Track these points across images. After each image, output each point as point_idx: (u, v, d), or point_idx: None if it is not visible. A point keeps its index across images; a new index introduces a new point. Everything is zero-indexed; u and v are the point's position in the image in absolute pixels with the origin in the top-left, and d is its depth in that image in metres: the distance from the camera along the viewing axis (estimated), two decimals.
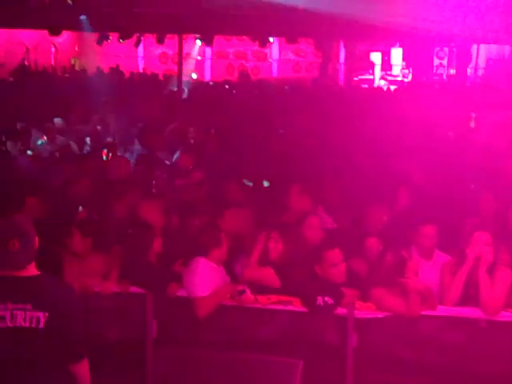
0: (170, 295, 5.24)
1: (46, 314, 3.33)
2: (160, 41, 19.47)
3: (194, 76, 25.11)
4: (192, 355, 4.69)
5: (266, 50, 25.67)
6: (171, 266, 5.56)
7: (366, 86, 23.96)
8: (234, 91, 19.06)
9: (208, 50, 25.40)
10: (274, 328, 5.12)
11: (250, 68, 26.26)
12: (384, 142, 9.14)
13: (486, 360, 5.04)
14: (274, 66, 27.22)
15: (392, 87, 22.27)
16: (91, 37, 20.26)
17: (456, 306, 5.10)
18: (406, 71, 25.83)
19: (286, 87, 19.94)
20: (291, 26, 17.87)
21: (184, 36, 21.61)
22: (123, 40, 18.90)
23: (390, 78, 25.76)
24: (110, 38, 19.25)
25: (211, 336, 5.14)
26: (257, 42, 20.99)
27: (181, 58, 19.28)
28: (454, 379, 5.07)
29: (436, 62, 25.48)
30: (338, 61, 25.88)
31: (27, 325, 3.33)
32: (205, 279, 5.17)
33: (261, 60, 27.13)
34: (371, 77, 25.90)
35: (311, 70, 26.67)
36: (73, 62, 24.88)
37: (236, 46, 26.72)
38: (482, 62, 21.39)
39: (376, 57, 26.37)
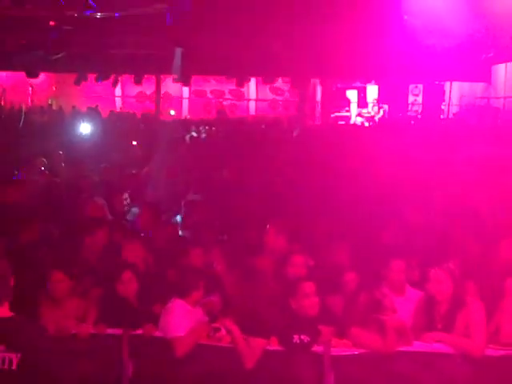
0: (146, 335, 5.23)
1: (19, 356, 3.32)
2: (137, 81, 19.67)
3: (172, 113, 25.34)
4: None
5: (244, 89, 25.98)
6: (150, 307, 5.57)
7: (342, 122, 24.29)
8: (213, 128, 19.24)
9: (186, 89, 25.65)
10: (254, 366, 5.10)
11: (227, 106, 26.55)
12: (361, 179, 9.27)
13: None
14: (252, 104, 27.54)
15: (367, 124, 22.59)
16: (69, 77, 20.39)
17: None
18: (382, 108, 26.22)
19: (263, 126, 20.14)
20: (268, 65, 18.18)
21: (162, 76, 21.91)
22: (101, 81, 19.06)
23: (366, 114, 26.13)
24: (88, 78, 19.39)
25: (187, 375, 5.12)
26: (234, 81, 21.30)
27: (158, 97, 19.56)
28: None
29: (411, 98, 25.91)
30: (315, 98, 26.24)
31: (0, 366, 3.31)
32: (181, 320, 5.18)
33: (238, 98, 27.44)
34: (348, 114, 26.26)
35: (288, 107, 27.02)
36: (50, 101, 24.97)
37: (214, 85, 27.02)
38: (454, 99, 21.79)
39: (352, 94, 26.78)
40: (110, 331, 5.28)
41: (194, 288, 5.34)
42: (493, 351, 5.10)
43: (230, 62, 18.39)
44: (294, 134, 16.95)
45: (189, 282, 5.37)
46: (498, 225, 7.22)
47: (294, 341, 5.06)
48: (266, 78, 19.42)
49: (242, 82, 20.38)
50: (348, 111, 26.43)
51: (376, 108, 25.80)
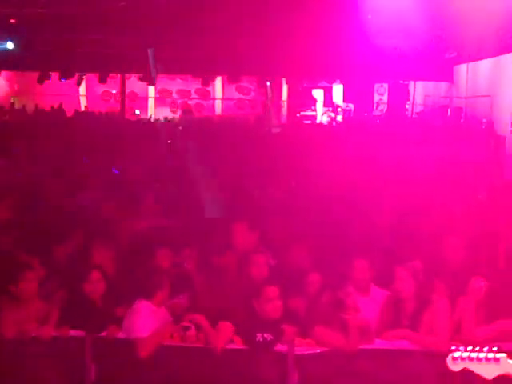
0: (110, 337, 5.19)
1: None
2: (102, 80, 19.50)
3: (138, 112, 25.19)
4: None
5: (209, 88, 25.93)
6: (114, 309, 5.53)
7: (308, 122, 24.39)
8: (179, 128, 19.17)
9: (151, 88, 25.50)
10: (215, 366, 5.10)
11: (193, 106, 26.46)
12: (326, 177, 9.33)
13: None
14: (218, 103, 27.49)
15: (333, 123, 22.72)
16: (32, 75, 20.12)
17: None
18: (346, 107, 26.40)
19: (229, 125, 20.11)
20: (233, 64, 18.18)
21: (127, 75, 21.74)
22: (65, 79, 18.84)
23: (332, 114, 26.28)
24: (51, 76, 19.15)
25: (151, 377, 5.10)
26: (200, 80, 21.25)
27: (123, 96, 19.40)
28: None
29: (376, 98, 26.13)
30: (281, 98, 26.32)
31: None
32: (145, 321, 5.16)
33: (204, 98, 27.38)
34: (314, 113, 26.38)
35: (255, 107, 27.03)
36: (12, 100, 24.59)
37: (179, 85, 26.90)
38: (419, 99, 22.03)
39: (318, 93, 26.92)
40: (72, 333, 5.23)
41: (159, 288, 5.32)
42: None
43: (196, 60, 18.35)
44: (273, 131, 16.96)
45: (153, 282, 5.34)
46: (459, 223, 7.33)
47: (257, 339, 5.09)
48: (232, 76, 19.40)
49: (207, 80, 20.36)
50: (314, 110, 26.56)
51: (347, 107, 25.97)
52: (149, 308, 5.29)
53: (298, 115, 25.60)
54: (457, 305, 5.42)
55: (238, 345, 5.14)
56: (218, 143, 13.82)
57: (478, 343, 5.08)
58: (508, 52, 13.81)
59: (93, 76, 21.30)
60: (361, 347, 5.16)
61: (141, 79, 20.22)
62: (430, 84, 21.56)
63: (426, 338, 5.19)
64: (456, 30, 15.54)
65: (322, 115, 26.27)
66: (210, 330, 5.15)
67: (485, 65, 16.08)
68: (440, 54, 17.48)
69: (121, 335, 5.21)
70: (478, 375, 4.20)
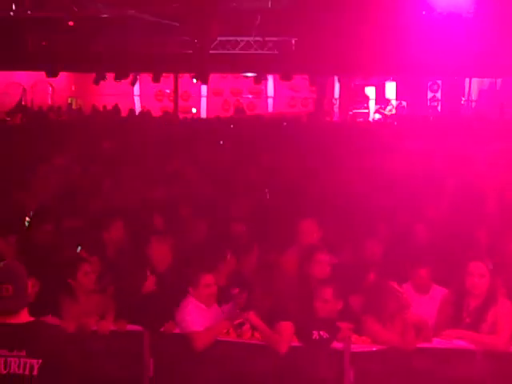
0: (167, 332, 5.26)
1: (40, 361, 3.32)
2: (156, 79, 19.73)
3: (194, 110, 25.41)
4: None
5: (262, 86, 25.98)
6: (170, 305, 5.58)
7: (361, 119, 24.21)
8: (231, 126, 19.21)
9: (204, 88, 25.69)
10: (271, 362, 5.12)
11: (245, 104, 26.56)
12: (384, 176, 9.21)
13: None
14: (270, 101, 27.51)
15: (388, 121, 22.48)
16: (88, 76, 20.51)
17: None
18: (401, 104, 26.11)
19: (285, 123, 20.08)
20: (285, 62, 18.17)
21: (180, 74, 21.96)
22: (119, 79, 19.15)
23: (385, 111, 26.03)
24: (107, 77, 19.49)
25: (208, 372, 5.15)
26: (252, 79, 21.30)
27: (176, 95, 19.58)
28: None
29: (430, 94, 25.78)
30: (333, 95, 26.18)
31: (21, 372, 3.32)
32: (196, 316, 5.22)
33: (256, 96, 27.44)
34: (366, 111, 26.17)
35: (306, 104, 26.97)
36: (69, 101, 25.15)
37: (231, 83, 27.03)
38: (474, 95, 21.62)
39: (370, 91, 26.69)
40: (130, 328, 5.32)
41: (208, 286, 5.34)
42: None
43: (248, 59, 18.40)
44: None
45: (202, 280, 5.36)
46: None
47: (314, 337, 5.08)
48: (284, 74, 19.39)
49: (259, 79, 20.39)
50: (367, 108, 26.35)
51: (401, 104, 25.68)
52: (197, 306, 5.32)
53: (350, 113, 25.43)
54: None
55: (295, 342, 5.14)
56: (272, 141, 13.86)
57: None
58: None
59: (147, 76, 21.58)
60: (418, 346, 5.11)
61: (194, 78, 20.39)
62: (485, 79, 21.15)
63: (486, 338, 5.09)
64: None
65: (374, 113, 26.05)
66: (266, 330, 5.15)
67: None
68: (495, 50, 17.12)
69: (177, 330, 5.26)
70: None
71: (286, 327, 5.12)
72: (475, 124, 16.77)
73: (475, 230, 6.58)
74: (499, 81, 19.67)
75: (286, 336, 5.10)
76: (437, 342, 5.14)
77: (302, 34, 17.45)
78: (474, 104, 21.49)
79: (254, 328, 5.20)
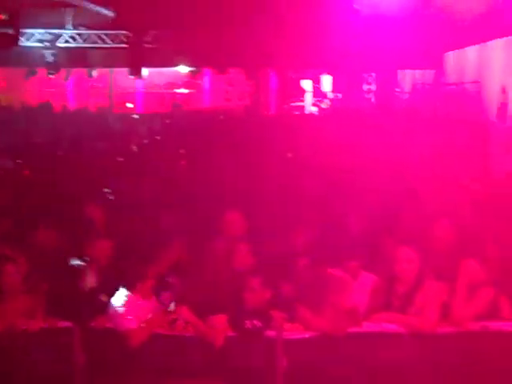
0: (98, 327, 5.21)
1: None
2: (90, 75, 19.43)
3: (130, 106, 25.13)
4: None
5: (198, 81, 25.88)
6: (103, 299, 5.53)
7: (297, 112, 24.41)
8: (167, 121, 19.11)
9: (139, 82, 25.41)
10: (204, 354, 5.12)
11: (182, 99, 26.42)
12: (317, 167, 9.33)
13: (413, 373, 5.16)
14: (206, 96, 27.44)
15: (322, 113, 22.74)
16: (18, 72, 20.03)
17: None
18: (337, 97, 26.43)
19: (221, 117, 20.10)
20: (221, 56, 18.16)
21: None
22: (52, 75, 18.76)
23: (321, 104, 26.30)
24: (37, 72, 19.08)
25: (141, 365, 5.12)
26: (188, 73, 21.23)
27: (111, 90, 19.33)
28: None
29: (365, 87, 26.15)
30: (270, 89, 26.29)
31: None
32: (131, 311, 5.16)
33: (193, 90, 27.33)
34: (302, 104, 26.39)
35: (243, 98, 27.01)
36: None
37: (167, 78, 26.84)
38: (407, 87, 22.06)
39: (307, 84, 26.91)
40: (61, 324, 5.24)
41: (144, 279, 5.32)
42: (444, 329, 5.23)
43: (183, 53, 18.31)
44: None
45: (138, 272, 5.34)
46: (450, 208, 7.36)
47: (246, 326, 5.10)
48: (219, 68, 19.38)
49: (195, 73, 20.33)
50: (303, 101, 26.57)
51: (336, 97, 26.01)
52: (134, 299, 5.29)
53: (287, 106, 25.60)
54: (447, 287, 5.46)
55: (227, 332, 5.16)
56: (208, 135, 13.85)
57: (466, 323, 5.19)
58: (495, 38, 13.82)
59: (80, 71, 21.23)
60: (349, 331, 5.20)
61: (128, 73, 20.15)
62: (419, 72, 21.57)
63: (411, 319, 5.22)
64: (444, 17, 15.58)
65: (310, 106, 26.29)
66: (200, 325, 5.15)
67: (473, 51, 16.10)
68: (429, 41, 17.50)
69: (110, 325, 5.21)
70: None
71: (220, 320, 5.13)
72: (408, 116, 17.12)
73: (404, 216, 6.74)
74: (431, 73, 20.09)
75: (220, 329, 5.11)
76: (367, 327, 5.25)
77: (238, 26, 17.46)
78: (406, 96, 21.92)
79: (187, 323, 5.19)
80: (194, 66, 19.78)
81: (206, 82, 27.04)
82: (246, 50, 18.03)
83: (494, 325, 5.15)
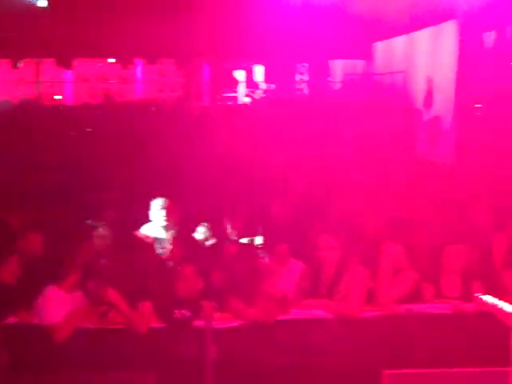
0: (21, 322, 5.10)
1: None
2: (15, 66, 18.90)
3: (58, 98, 24.60)
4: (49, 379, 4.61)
5: (130, 72, 25.53)
6: (26, 293, 5.42)
7: (230, 103, 24.38)
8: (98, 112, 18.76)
9: (69, 73, 24.91)
10: (134, 345, 5.09)
11: (113, 90, 26.00)
12: (244, 157, 9.39)
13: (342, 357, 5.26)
14: (138, 87, 27.12)
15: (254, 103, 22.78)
16: None
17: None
18: (270, 87, 26.52)
19: (153, 108, 19.88)
20: (152, 46, 17.96)
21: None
22: None
23: (254, 94, 26.33)
24: None
25: (68, 360, 5.04)
26: (119, 64, 20.91)
27: (38, 82, 18.84)
28: (315, 379, 5.24)
29: (298, 77, 26.33)
30: (202, 80, 26.15)
31: None
32: (56, 306, 5.09)
33: (124, 82, 26.95)
34: (235, 94, 26.37)
35: (175, 89, 26.80)
36: None
37: (98, 69, 26.40)
38: (338, 77, 22.34)
39: (240, 74, 26.90)
40: None
41: (70, 273, 5.24)
42: (369, 313, 5.35)
43: (114, 44, 18.02)
44: None
45: (64, 267, 5.25)
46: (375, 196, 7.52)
47: (175, 316, 5.10)
48: (149, 59, 19.16)
49: (126, 64, 20.05)
50: (236, 92, 26.55)
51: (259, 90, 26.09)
52: (59, 293, 5.21)
53: (220, 97, 25.53)
54: (371, 271, 5.58)
55: (156, 323, 5.14)
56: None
57: (391, 307, 5.32)
58: (420, 28, 14.11)
59: (5, 62, 20.61)
60: (278, 318, 5.25)
61: (57, 64, 19.71)
62: (350, 62, 21.86)
63: (337, 305, 5.31)
64: (374, 6, 15.81)
65: (244, 96, 26.30)
66: (129, 312, 5.12)
67: (400, 42, 16.40)
68: (359, 31, 17.72)
69: (35, 320, 5.12)
70: None
71: (146, 306, 5.11)
72: (339, 106, 17.32)
73: (330, 205, 6.86)
74: (362, 63, 20.39)
75: (145, 316, 5.09)
76: (296, 314, 5.32)
77: (166, 18, 17.29)
78: (338, 85, 22.17)
79: (117, 310, 5.13)
80: (124, 57, 19.50)
81: (137, 73, 26.71)
82: (177, 40, 17.87)
83: (417, 307, 5.30)
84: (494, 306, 2.53)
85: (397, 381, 3.90)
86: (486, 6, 10.51)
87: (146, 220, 6.64)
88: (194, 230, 6.42)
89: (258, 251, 6.06)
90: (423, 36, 13.90)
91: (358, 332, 5.25)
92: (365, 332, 5.24)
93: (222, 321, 5.18)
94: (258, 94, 26.40)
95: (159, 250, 6.18)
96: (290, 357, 5.24)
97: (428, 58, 13.39)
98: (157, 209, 6.68)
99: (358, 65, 21.25)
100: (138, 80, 26.92)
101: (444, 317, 5.24)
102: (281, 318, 5.26)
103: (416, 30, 14.18)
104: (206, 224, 6.51)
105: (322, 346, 5.26)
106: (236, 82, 26.72)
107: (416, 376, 3.95)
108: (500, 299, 4.90)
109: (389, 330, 5.26)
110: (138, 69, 26.23)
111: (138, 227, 6.51)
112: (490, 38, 11.35)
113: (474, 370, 4.01)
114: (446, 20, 11.77)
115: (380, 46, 18.40)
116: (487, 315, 4.84)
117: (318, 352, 5.27)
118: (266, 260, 5.92)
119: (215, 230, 6.46)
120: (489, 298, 2.52)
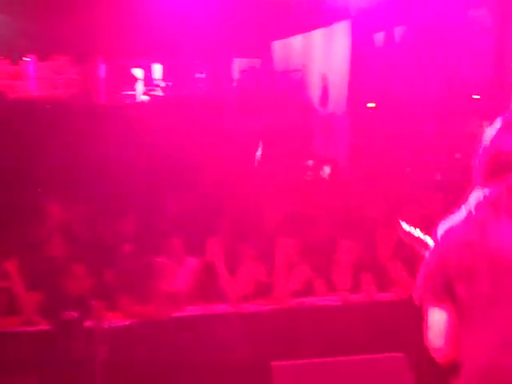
0: None
1: None
2: None
3: None
4: None
5: (21, 69, 24.62)
6: None
7: (128, 101, 23.98)
8: None
9: None
10: (18, 350, 4.87)
11: (4, 87, 25.00)
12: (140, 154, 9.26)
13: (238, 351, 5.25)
14: (31, 84, 26.21)
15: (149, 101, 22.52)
16: None
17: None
18: (168, 85, 26.29)
19: (48, 106, 19.24)
20: (44, 42, 17.42)
21: None
22: None
23: (152, 93, 26.02)
24: None
25: None
26: (9, 61, 20.12)
27: None
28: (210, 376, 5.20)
29: (197, 75, 26.25)
30: (98, 77, 25.58)
31: None
32: None
33: (16, 79, 25.96)
34: (133, 92, 25.96)
35: (70, 86, 26.07)
36: None
37: None
38: (235, 75, 22.44)
39: (138, 72, 26.50)
40: None
41: None
42: (264, 307, 5.38)
43: (2, 40, 17.36)
44: None
45: None
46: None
47: (63, 318, 4.92)
48: (40, 56, 18.55)
49: (16, 60, 19.32)
50: (134, 90, 26.15)
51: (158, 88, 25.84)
52: None
53: (118, 95, 25.06)
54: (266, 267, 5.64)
55: (43, 325, 4.95)
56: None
57: (286, 301, 5.38)
58: (317, 28, 14.35)
59: None
60: (172, 315, 5.19)
61: None
62: (247, 60, 22.01)
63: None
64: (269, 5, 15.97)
65: (141, 94, 25.95)
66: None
67: (297, 40, 16.65)
68: (256, 29, 17.83)
69: None
70: None
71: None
72: (236, 102, 17.38)
73: (224, 202, 6.87)
74: (258, 61, 20.59)
75: None
76: (190, 310, 5.28)
77: (59, 13, 16.78)
78: (235, 83, 22.26)
79: None
80: (13, 53, 18.80)
81: (30, 69, 25.79)
82: (71, 37, 17.39)
83: (309, 301, 5.39)
84: (411, 235, 2.58)
85: (285, 372, 3.92)
86: (377, 8, 10.85)
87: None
88: (84, 229, 6.24)
89: (152, 249, 5.96)
90: (318, 34, 14.19)
91: (253, 327, 5.26)
92: (260, 326, 5.26)
93: (113, 320, 5.05)
94: (156, 92, 26.10)
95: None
96: (184, 354, 5.18)
97: (323, 56, 13.69)
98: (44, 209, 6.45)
99: (257, 63, 21.47)
100: (31, 77, 26.01)
101: (334, 308, 5.35)
102: (175, 315, 5.19)
103: (312, 29, 14.44)
104: (97, 222, 6.35)
105: (218, 342, 5.23)
106: (134, 80, 26.30)
107: (304, 366, 3.99)
108: (387, 290, 5.10)
109: (283, 324, 5.31)
110: (30, 65, 25.34)
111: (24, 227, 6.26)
112: (379, 38, 11.72)
113: (363, 357, 4.09)
114: (340, 20, 12.06)
115: (278, 45, 18.63)
116: (376, 305, 5.01)
117: (214, 348, 5.24)
118: (160, 257, 5.82)
119: (107, 229, 6.31)
120: (406, 227, 2.54)
